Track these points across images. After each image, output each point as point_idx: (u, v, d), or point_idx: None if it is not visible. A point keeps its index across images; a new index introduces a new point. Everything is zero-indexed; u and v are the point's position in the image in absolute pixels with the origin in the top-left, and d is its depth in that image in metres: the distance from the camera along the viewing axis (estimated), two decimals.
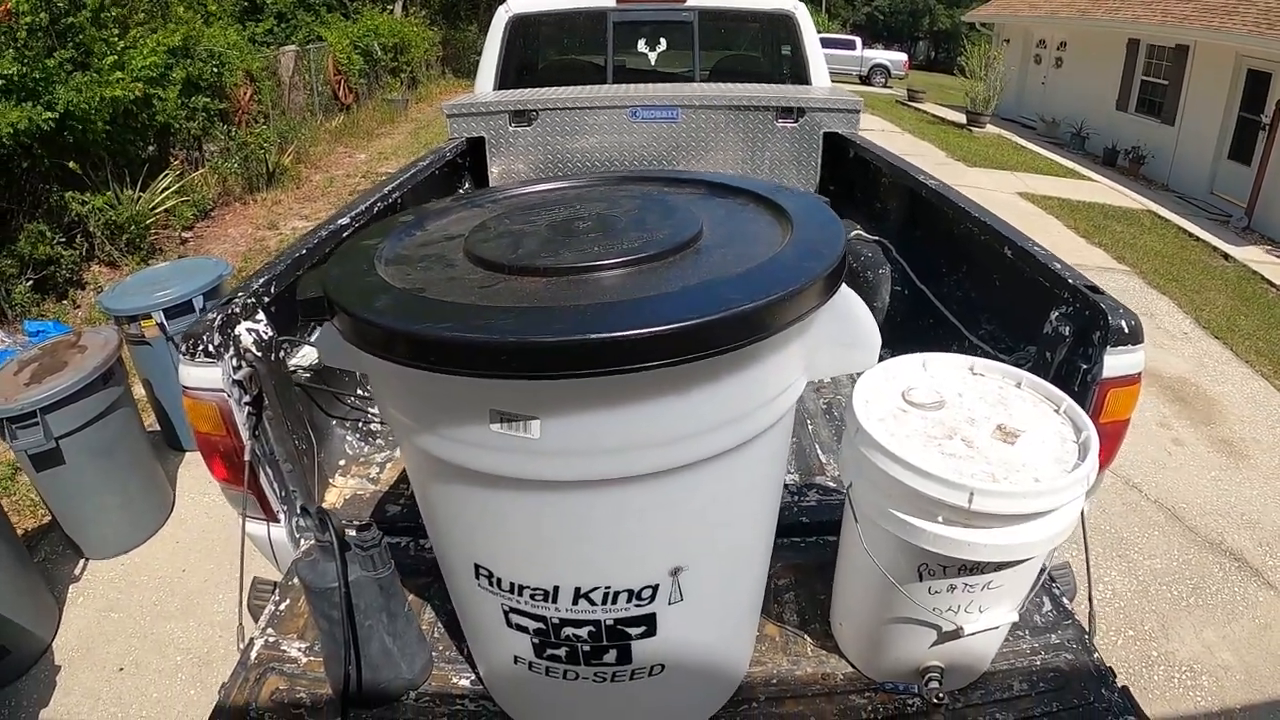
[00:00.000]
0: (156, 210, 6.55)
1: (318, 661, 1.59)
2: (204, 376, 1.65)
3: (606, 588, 1.18)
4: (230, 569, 3.31)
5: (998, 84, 14.31)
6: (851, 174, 3.65)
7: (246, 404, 1.69)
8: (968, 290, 2.52)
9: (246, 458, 1.69)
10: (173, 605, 3.21)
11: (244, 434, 1.69)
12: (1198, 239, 8.79)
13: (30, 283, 5.72)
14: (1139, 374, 1.73)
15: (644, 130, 3.73)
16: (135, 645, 3.05)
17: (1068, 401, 1.39)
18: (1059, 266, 1.91)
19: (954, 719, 1.47)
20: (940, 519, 1.20)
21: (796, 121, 3.70)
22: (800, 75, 4.24)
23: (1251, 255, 8.29)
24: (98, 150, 6.29)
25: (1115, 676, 1.60)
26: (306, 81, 10.69)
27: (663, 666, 1.32)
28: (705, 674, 1.41)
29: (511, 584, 1.21)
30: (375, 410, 2.38)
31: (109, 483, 3.32)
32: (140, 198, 6.45)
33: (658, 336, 0.93)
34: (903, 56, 25.95)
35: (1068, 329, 1.80)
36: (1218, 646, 3.18)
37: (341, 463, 2.21)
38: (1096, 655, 1.63)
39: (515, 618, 1.26)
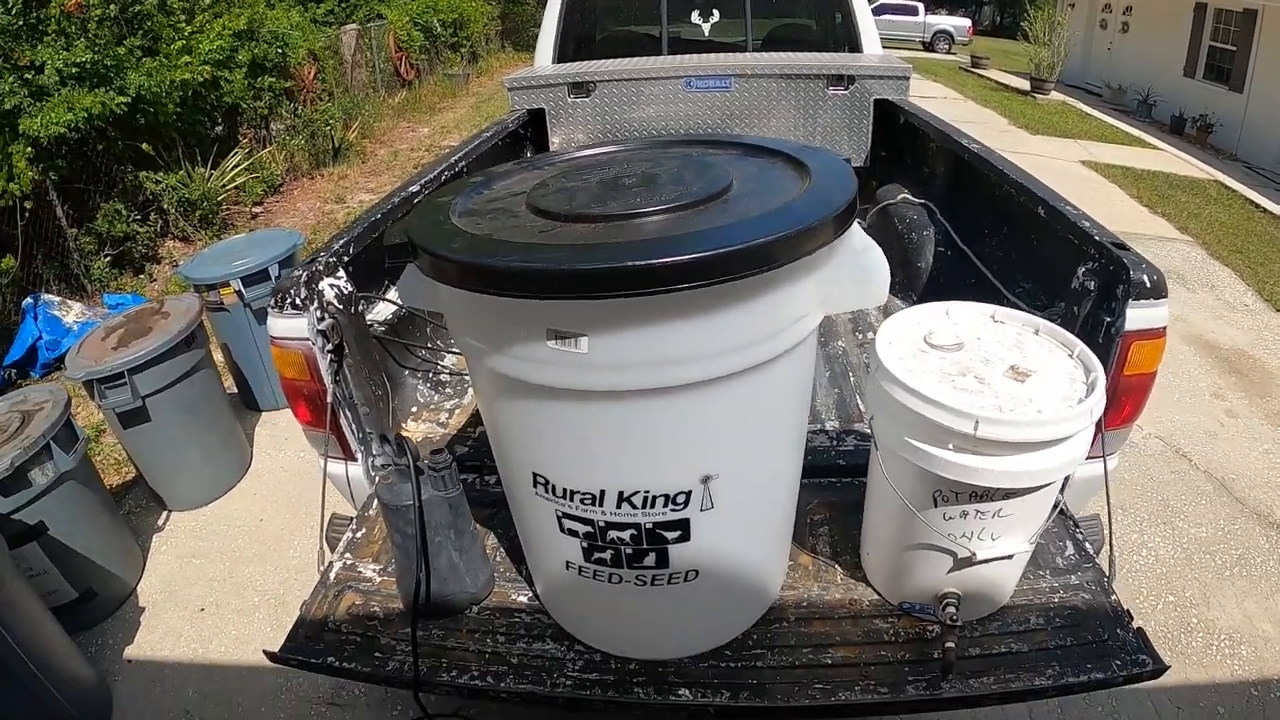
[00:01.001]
0: (227, 187, 6.90)
1: (390, 581, 1.79)
2: (291, 327, 1.84)
3: (645, 492, 1.35)
4: (305, 517, 3.55)
5: (1062, 50, 13.94)
6: (901, 140, 3.72)
7: (329, 352, 1.88)
8: (1007, 250, 2.60)
9: (329, 400, 1.88)
10: (251, 551, 3.44)
11: (327, 379, 1.88)
12: (1265, 211, 8.49)
13: (108, 258, 6.09)
14: (1163, 328, 1.79)
15: (699, 100, 3.85)
16: (215, 588, 3.28)
17: (1081, 346, 1.49)
18: (1088, 224, 1.99)
19: (972, 647, 1.60)
20: (951, 446, 1.34)
21: (847, 89, 3.77)
22: (852, 43, 4.31)
23: None
24: (169, 131, 6.63)
25: (1132, 618, 1.68)
26: (368, 59, 10.97)
27: (697, 573, 1.48)
28: (737, 584, 1.57)
29: (564, 489, 1.39)
30: (444, 362, 2.58)
31: (192, 439, 3.57)
32: (211, 175, 6.79)
33: (684, 264, 1.11)
34: (966, 22, 25.29)
35: (1093, 283, 1.88)
36: (1259, 618, 3.17)
37: (414, 409, 2.41)
38: (1114, 597, 1.72)
39: (567, 523, 1.43)
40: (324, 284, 1.93)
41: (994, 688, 1.50)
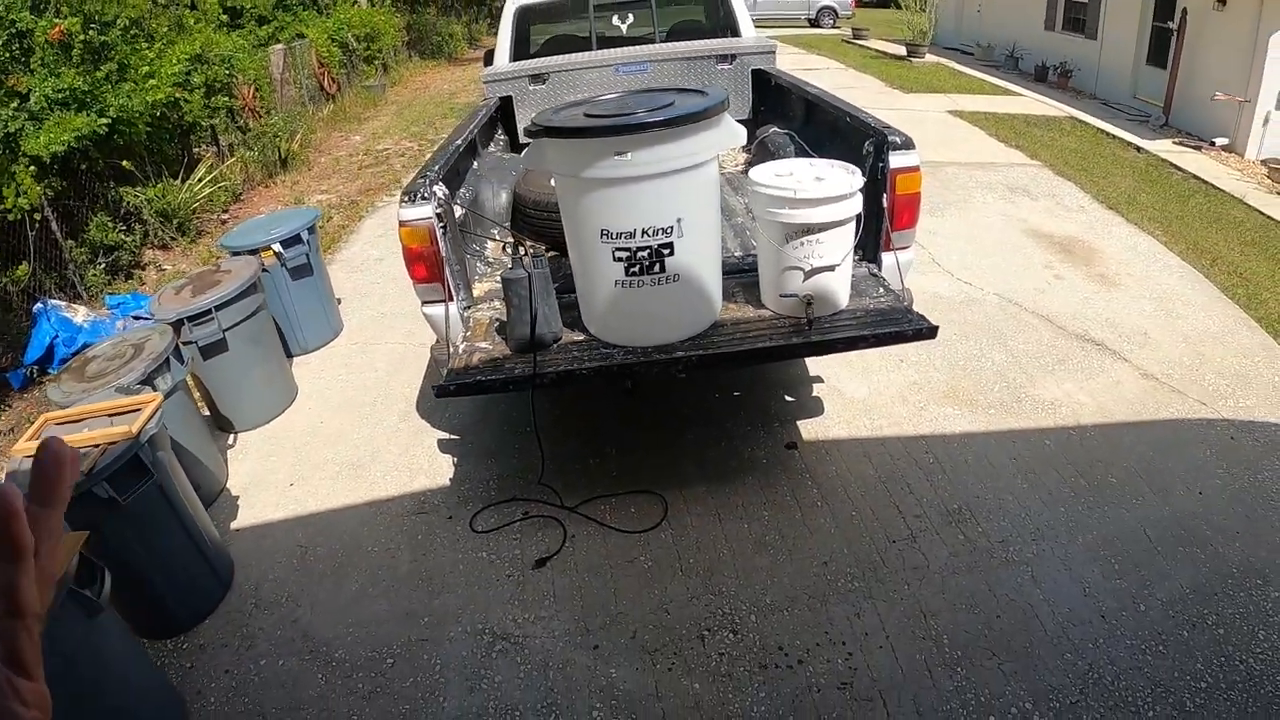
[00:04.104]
0: (198, 197, 8.03)
1: (500, 345, 3.17)
2: (420, 212, 3.22)
3: (653, 226, 2.80)
4: (357, 418, 4.78)
5: (932, 15, 16.06)
6: (773, 95, 5.40)
7: (441, 227, 3.27)
8: (834, 148, 4.04)
9: (444, 255, 3.26)
10: (319, 442, 4.57)
11: (441, 245, 3.27)
12: (1114, 137, 10.18)
13: (102, 266, 7.13)
14: (916, 166, 3.31)
15: (625, 81, 5.45)
16: (297, 470, 4.29)
17: (854, 168, 3.04)
18: (870, 119, 3.56)
19: (825, 324, 3.10)
20: (787, 206, 2.87)
21: (731, 64, 5.55)
22: (733, 29, 6.04)
23: (1163, 147, 9.61)
24: (140, 149, 7.69)
25: (920, 316, 3.18)
26: (295, 77, 12.17)
27: (678, 276, 2.90)
28: (698, 289, 3.01)
29: (617, 232, 2.82)
30: (487, 250, 3.99)
31: (257, 364, 4.73)
32: (182, 188, 7.93)
33: (670, 119, 2.64)
34: None
35: (871, 147, 3.42)
36: (1075, 393, 4.45)
37: (477, 276, 3.80)
38: (906, 304, 3.24)
39: (617, 253, 2.86)
40: (435, 187, 3.32)
41: (839, 336, 3.02)
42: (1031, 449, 4.04)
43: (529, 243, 3.92)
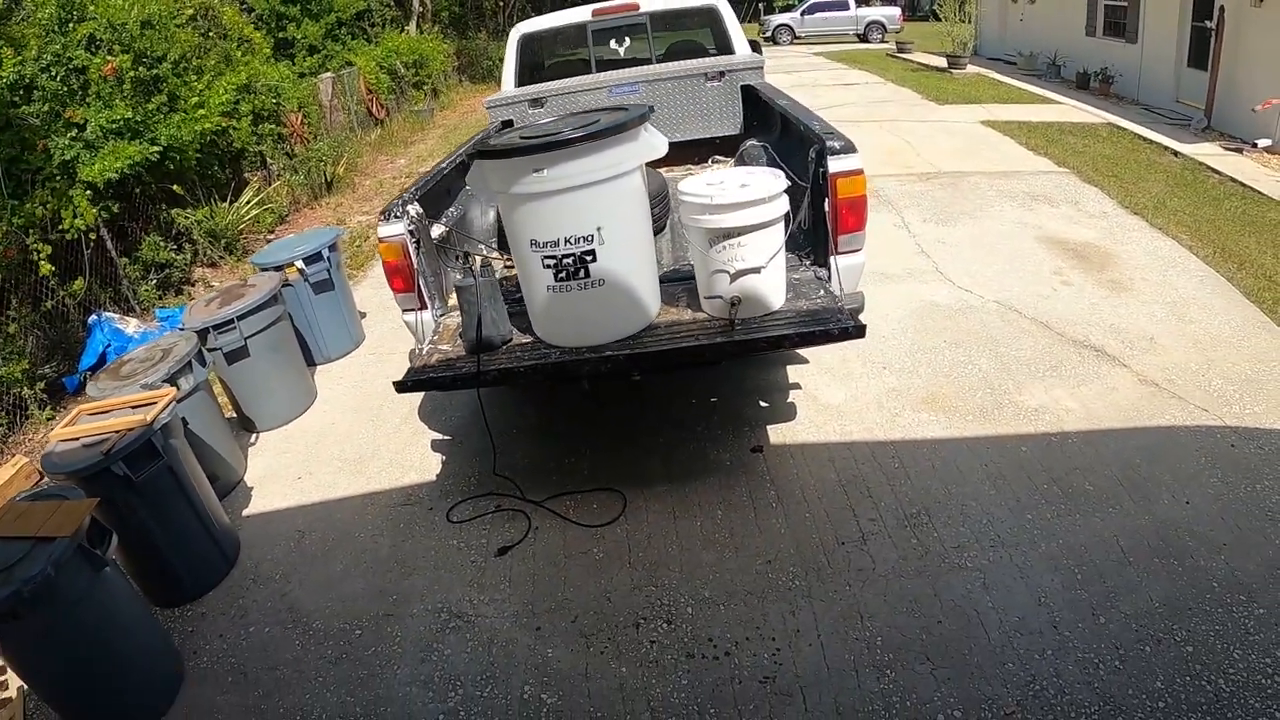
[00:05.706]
0: (245, 219, 8.50)
1: (458, 348, 3.39)
2: (395, 229, 3.49)
3: (575, 235, 2.99)
4: (367, 420, 5.07)
5: (975, 26, 15.93)
6: (761, 110, 5.52)
7: (414, 243, 3.51)
8: (799, 157, 4.13)
9: (416, 267, 3.51)
10: (330, 440, 4.88)
11: (414, 259, 3.52)
12: (1151, 142, 9.89)
13: (154, 282, 7.63)
14: (858, 169, 3.38)
15: (618, 102, 5.63)
16: (306, 465, 4.65)
17: (780, 173, 3.17)
18: (816, 124, 3.69)
19: (754, 324, 3.23)
20: (706, 214, 3.04)
21: (721, 81, 5.72)
22: (726, 47, 6.22)
23: (1203, 150, 9.32)
24: (190, 175, 8.17)
25: (850, 315, 3.25)
26: (344, 103, 12.76)
27: (603, 280, 3.08)
28: (625, 293, 3.18)
29: (544, 242, 3.04)
30: (460, 266, 4.27)
31: (277, 369, 5.06)
32: (230, 210, 8.41)
33: (588, 134, 2.82)
34: (896, 11, 28.00)
35: (814, 153, 3.53)
36: (1064, 399, 4.35)
37: (449, 286, 4.03)
38: (840, 304, 3.32)
39: (546, 261, 3.06)
40: (410, 207, 3.58)
41: (761, 336, 3.14)
42: (1005, 455, 3.96)
43: (482, 253, 4.16)
